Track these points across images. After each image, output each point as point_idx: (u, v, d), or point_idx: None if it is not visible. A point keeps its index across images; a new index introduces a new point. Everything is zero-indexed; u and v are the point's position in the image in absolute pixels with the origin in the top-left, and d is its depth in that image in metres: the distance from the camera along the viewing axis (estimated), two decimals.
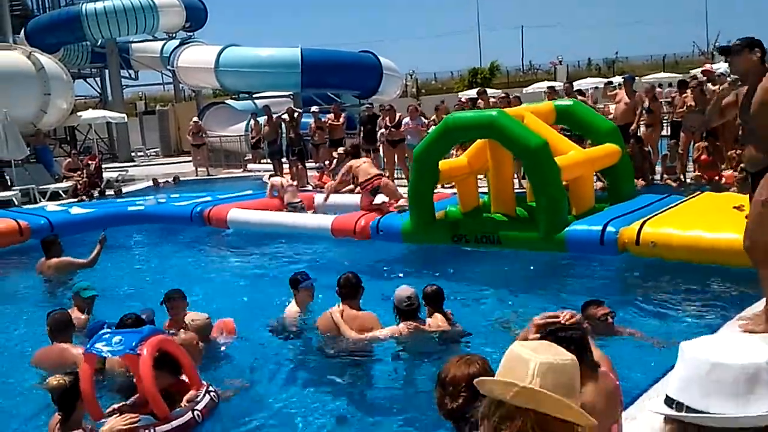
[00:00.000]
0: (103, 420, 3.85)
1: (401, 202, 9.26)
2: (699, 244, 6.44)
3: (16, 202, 14.43)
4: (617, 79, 25.20)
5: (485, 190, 8.60)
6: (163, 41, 25.90)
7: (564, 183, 7.54)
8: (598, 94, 19.11)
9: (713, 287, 6.06)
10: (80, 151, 20.53)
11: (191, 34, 25.98)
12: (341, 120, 15.67)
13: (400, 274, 7.24)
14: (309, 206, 11.21)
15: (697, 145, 11.11)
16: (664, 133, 12.94)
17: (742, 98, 4.55)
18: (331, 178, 13.29)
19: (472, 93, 22.80)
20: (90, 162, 16.39)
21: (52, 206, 12.55)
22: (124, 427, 3.71)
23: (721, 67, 18.24)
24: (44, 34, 23.65)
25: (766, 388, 1.25)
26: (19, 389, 4.89)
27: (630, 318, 5.28)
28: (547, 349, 1.51)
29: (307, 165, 15.20)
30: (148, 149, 26.29)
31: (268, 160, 16.54)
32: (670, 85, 26.23)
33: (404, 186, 13.08)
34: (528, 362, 1.45)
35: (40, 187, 15.50)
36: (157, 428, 3.86)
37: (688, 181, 11.11)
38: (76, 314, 5.80)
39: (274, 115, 16.20)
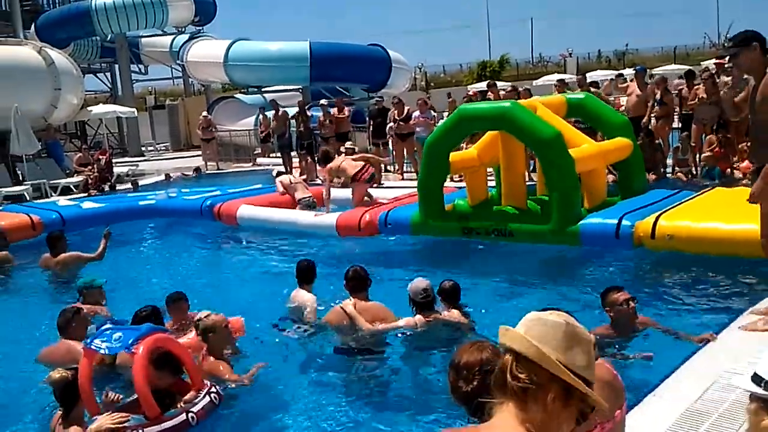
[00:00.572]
0: (95, 417, 3.83)
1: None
2: (716, 236, 6.41)
3: (28, 197, 14.51)
4: (628, 72, 25.05)
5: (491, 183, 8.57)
6: (173, 36, 25.94)
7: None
8: (609, 87, 18.94)
9: (731, 279, 6.02)
10: (91, 146, 20.59)
11: (200, 28, 25.99)
12: (346, 113, 15.64)
13: (411, 269, 7.21)
14: (320, 199, 11.17)
15: (708, 137, 11.00)
16: (675, 125, 12.81)
17: (750, 92, 4.50)
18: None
19: (482, 86, 22.73)
20: (100, 157, 16.44)
21: (63, 201, 12.60)
22: (112, 425, 3.68)
23: None
24: (54, 30, 23.73)
25: None
26: (26, 386, 4.88)
27: (648, 311, 5.22)
28: (556, 312, 1.61)
29: (316, 158, 15.17)
30: (158, 144, 26.39)
31: (278, 154, 16.55)
32: (679, 77, 25.97)
33: (412, 179, 13.15)
34: (521, 320, 1.59)
35: (51, 181, 15.57)
36: (145, 429, 3.81)
37: (699, 170, 10.99)
38: (90, 308, 5.83)
39: (281, 109, 16.22)
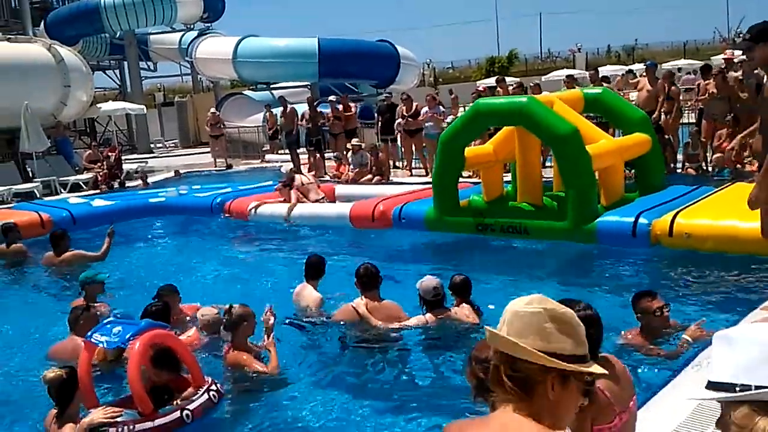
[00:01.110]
0: (90, 411, 3.87)
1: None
2: (734, 234, 6.29)
3: (38, 194, 14.54)
4: (637, 67, 24.83)
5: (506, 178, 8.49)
6: (181, 33, 25.93)
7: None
8: (621, 82, 18.76)
9: (750, 277, 5.91)
10: (100, 143, 20.64)
11: (209, 25, 25.97)
12: (352, 110, 15.57)
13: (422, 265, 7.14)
14: (330, 197, 11.14)
15: (718, 132, 10.86)
16: (684, 120, 12.67)
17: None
18: (348, 168, 13.28)
19: (491, 81, 22.59)
20: (110, 154, 16.45)
21: (74, 199, 12.60)
22: (104, 419, 3.73)
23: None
24: (63, 27, 23.77)
25: None
26: (32, 383, 4.85)
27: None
28: (532, 299, 1.59)
29: (325, 155, 15.13)
30: (167, 140, 26.42)
31: (286, 151, 16.50)
32: (688, 73, 25.74)
33: (422, 176, 13.08)
34: (504, 312, 1.57)
35: (61, 178, 15.59)
36: (137, 425, 3.81)
37: (710, 168, 10.85)
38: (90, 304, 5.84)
39: (290, 106, 16.17)
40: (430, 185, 8.66)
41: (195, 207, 11.25)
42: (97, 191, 14.42)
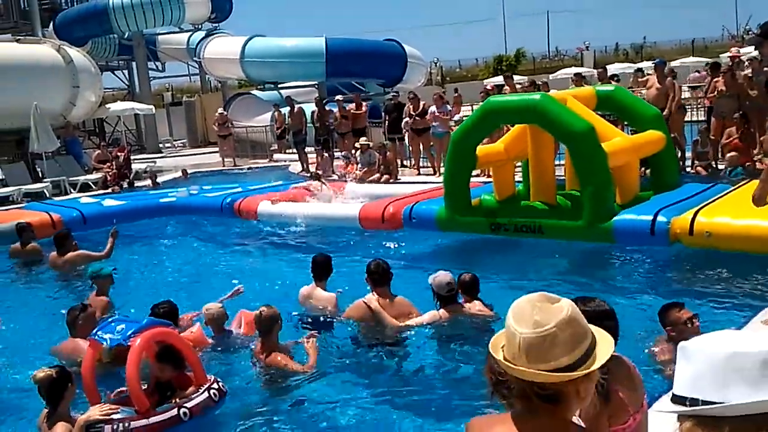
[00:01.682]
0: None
1: None
2: (757, 233, 6.20)
3: (48, 194, 14.58)
4: (645, 65, 24.68)
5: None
6: (189, 33, 25.95)
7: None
8: (626, 80, 18.65)
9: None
10: (109, 143, 20.68)
11: (217, 25, 25.99)
12: (363, 109, 15.53)
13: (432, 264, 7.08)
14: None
15: (728, 130, 10.76)
16: (692, 118, 12.56)
17: None
18: (355, 168, 13.25)
19: (498, 80, 22.50)
20: (119, 153, 16.46)
21: (85, 199, 12.61)
22: (101, 416, 3.76)
23: (752, 51, 17.66)
24: (72, 28, 23.84)
25: None
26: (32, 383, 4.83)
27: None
28: (536, 311, 1.52)
29: (334, 154, 15.09)
30: (176, 140, 26.46)
31: (294, 150, 16.47)
32: (696, 71, 25.55)
33: (429, 174, 13.02)
34: (515, 336, 1.53)
35: (71, 178, 15.62)
36: (132, 422, 3.82)
37: (720, 167, 10.74)
38: (97, 300, 5.89)
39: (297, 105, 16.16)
40: (439, 184, 8.59)
41: (205, 207, 11.23)
42: (107, 191, 14.44)
